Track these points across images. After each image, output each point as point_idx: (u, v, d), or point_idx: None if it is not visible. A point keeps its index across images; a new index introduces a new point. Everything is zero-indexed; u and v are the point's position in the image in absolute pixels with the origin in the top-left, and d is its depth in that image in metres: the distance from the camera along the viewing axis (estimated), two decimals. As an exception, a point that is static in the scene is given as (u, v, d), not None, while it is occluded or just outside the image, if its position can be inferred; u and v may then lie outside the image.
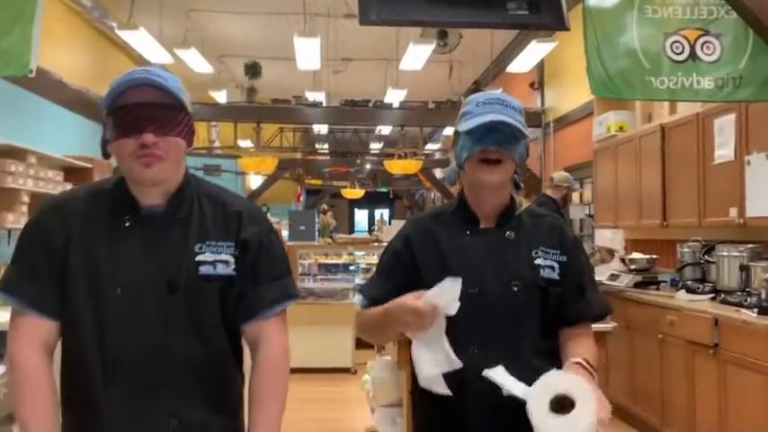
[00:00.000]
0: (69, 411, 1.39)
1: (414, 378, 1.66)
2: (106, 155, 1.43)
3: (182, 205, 1.41)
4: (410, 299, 1.42)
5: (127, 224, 1.38)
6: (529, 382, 1.42)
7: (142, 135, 1.32)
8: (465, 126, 1.54)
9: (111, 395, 1.33)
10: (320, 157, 14.53)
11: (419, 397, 1.63)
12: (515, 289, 1.51)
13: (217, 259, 1.39)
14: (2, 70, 3.30)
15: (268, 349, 1.43)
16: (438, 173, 14.72)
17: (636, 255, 5.20)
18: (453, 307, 1.40)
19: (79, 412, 1.36)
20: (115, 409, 1.33)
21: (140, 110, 1.33)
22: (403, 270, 1.61)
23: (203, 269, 1.38)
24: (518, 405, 1.45)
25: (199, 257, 1.38)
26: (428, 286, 1.43)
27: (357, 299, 1.69)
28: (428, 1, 3.24)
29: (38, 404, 1.32)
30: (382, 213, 22.80)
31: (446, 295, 1.40)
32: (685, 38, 3.56)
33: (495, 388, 1.45)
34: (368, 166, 14.42)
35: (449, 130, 13.82)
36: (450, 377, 1.48)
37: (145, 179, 1.36)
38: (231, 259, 1.40)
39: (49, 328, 1.37)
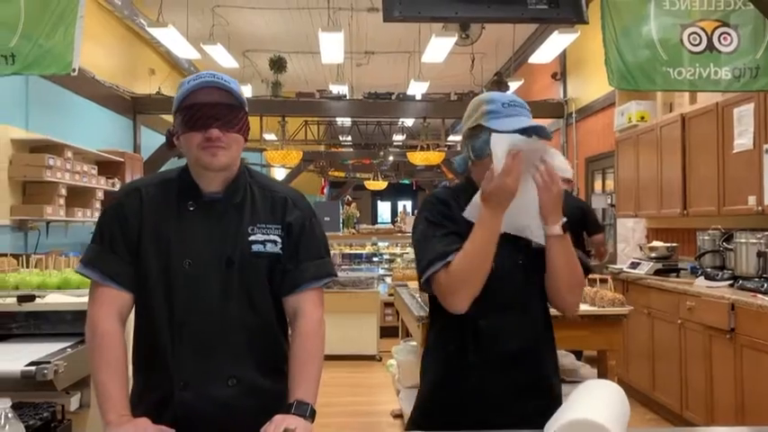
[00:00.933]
0: (142, 371, 1.59)
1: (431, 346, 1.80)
2: (172, 145, 1.63)
3: (237, 192, 1.61)
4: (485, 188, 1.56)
5: (191, 208, 1.58)
6: (537, 352, 1.70)
7: (209, 130, 1.52)
8: (497, 125, 1.64)
9: (177, 355, 1.52)
10: (344, 150, 14.65)
11: (431, 357, 1.79)
12: (520, 261, 1.70)
13: (266, 239, 1.59)
14: (46, 69, 3.50)
15: (306, 319, 1.60)
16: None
17: (656, 243, 5.27)
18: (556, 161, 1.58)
19: (150, 371, 1.56)
20: (181, 367, 1.52)
21: (208, 108, 1.53)
22: (454, 221, 1.68)
23: (255, 247, 1.57)
24: (528, 363, 1.68)
25: (251, 237, 1.58)
26: None
27: (424, 270, 1.62)
28: (449, -3, 3.36)
29: (112, 367, 1.50)
30: (405, 205, 22.93)
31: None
32: (702, 29, 3.63)
33: (505, 348, 1.67)
34: (391, 158, 14.52)
35: (471, 122, 13.84)
36: (467, 338, 1.67)
37: (213, 166, 1.55)
38: (278, 239, 1.60)
39: (125, 298, 1.57)
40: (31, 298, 2.42)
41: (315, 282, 1.62)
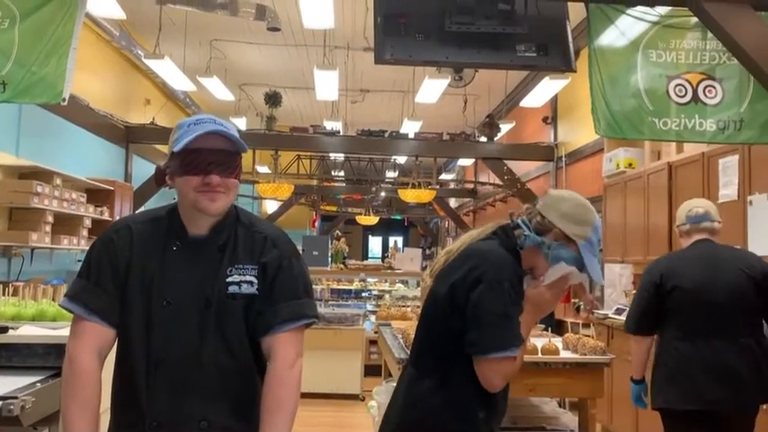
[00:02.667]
0: (117, 408, 1.58)
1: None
2: (160, 182, 1.64)
3: (221, 234, 1.62)
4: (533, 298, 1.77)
5: (174, 248, 1.59)
6: None
7: (208, 176, 1.54)
8: (590, 264, 1.77)
9: (151, 394, 1.51)
10: (336, 184, 14.69)
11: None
12: None
13: (242, 280, 1.58)
14: (36, 98, 3.52)
15: (277, 363, 1.57)
16: (452, 202, 14.80)
17: (642, 290, 5.27)
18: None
19: (125, 409, 1.55)
20: (155, 407, 1.51)
21: (208, 154, 1.55)
22: (522, 299, 1.77)
23: (231, 288, 1.57)
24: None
25: (228, 279, 1.58)
26: None
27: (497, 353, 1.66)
28: (440, 42, 3.41)
29: (84, 406, 1.49)
30: (396, 241, 22.91)
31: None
32: (688, 81, 3.69)
33: (502, 409, 1.85)
34: (382, 194, 14.56)
35: (463, 161, 13.96)
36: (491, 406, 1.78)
37: (210, 211, 1.57)
38: (255, 280, 1.59)
39: (108, 334, 1.56)
40: (4, 330, 2.38)
41: (289, 323, 1.59)
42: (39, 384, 2.19)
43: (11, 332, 2.40)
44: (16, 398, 1.98)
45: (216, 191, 1.55)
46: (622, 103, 3.67)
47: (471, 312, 1.68)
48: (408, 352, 3.15)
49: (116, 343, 1.59)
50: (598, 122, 3.65)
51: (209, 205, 1.56)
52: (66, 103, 3.46)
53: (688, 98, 3.69)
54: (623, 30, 3.72)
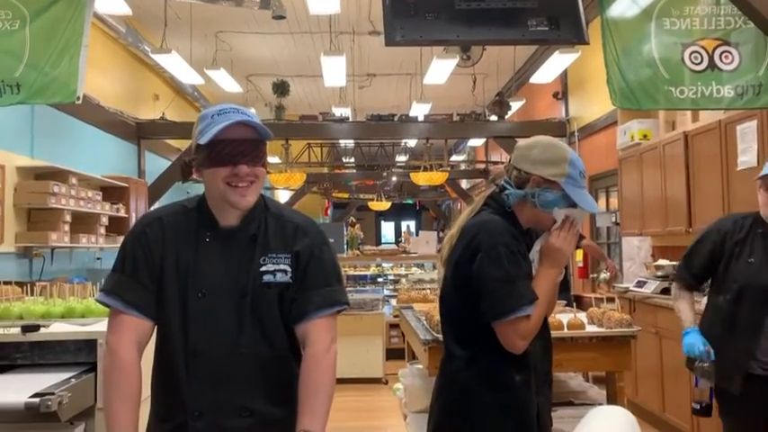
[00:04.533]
0: (158, 398, 1.60)
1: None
2: (187, 175, 1.66)
3: (252, 224, 1.63)
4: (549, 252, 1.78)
5: (207, 239, 1.60)
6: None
7: (237, 167, 1.55)
8: (576, 196, 1.76)
9: (191, 385, 1.53)
10: (347, 171, 14.68)
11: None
12: None
13: (276, 269, 1.60)
14: (50, 98, 3.53)
15: (313, 348, 1.59)
16: (464, 183, 14.76)
17: (662, 261, 5.24)
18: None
19: (166, 399, 1.58)
20: (195, 397, 1.53)
21: (236, 144, 1.56)
22: (525, 259, 1.79)
23: (266, 278, 1.59)
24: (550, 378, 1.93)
25: (262, 268, 1.59)
26: None
27: (514, 313, 1.68)
28: (450, 21, 3.38)
29: (126, 398, 1.51)
30: (409, 225, 22.88)
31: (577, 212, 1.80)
32: (704, 48, 3.64)
33: (542, 369, 1.85)
34: (394, 179, 14.53)
35: (474, 141, 13.89)
36: (527, 367, 1.79)
37: (241, 205, 1.59)
38: (288, 268, 1.61)
39: (145, 326, 1.58)
40: (36, 328, 2.41)
41: (322, 310, 1.61)
42: (73, 380, 2.23)
43: (42, 330, 2.43)
44: (53, 393, 2.01)
45: (247, 181, 1.57)
46: (637, 73, 3.63)
47: (477, 283, 1.73)
48: (433, 333, 3.16)
49: (155, 334, 1.62)
50: (614, 94, 3.62)
51: (240, 200, 1.58)
52: (80, 102, 3.47)
53: (704, 65, 3.64)
54: (635, -1, 3.67)
